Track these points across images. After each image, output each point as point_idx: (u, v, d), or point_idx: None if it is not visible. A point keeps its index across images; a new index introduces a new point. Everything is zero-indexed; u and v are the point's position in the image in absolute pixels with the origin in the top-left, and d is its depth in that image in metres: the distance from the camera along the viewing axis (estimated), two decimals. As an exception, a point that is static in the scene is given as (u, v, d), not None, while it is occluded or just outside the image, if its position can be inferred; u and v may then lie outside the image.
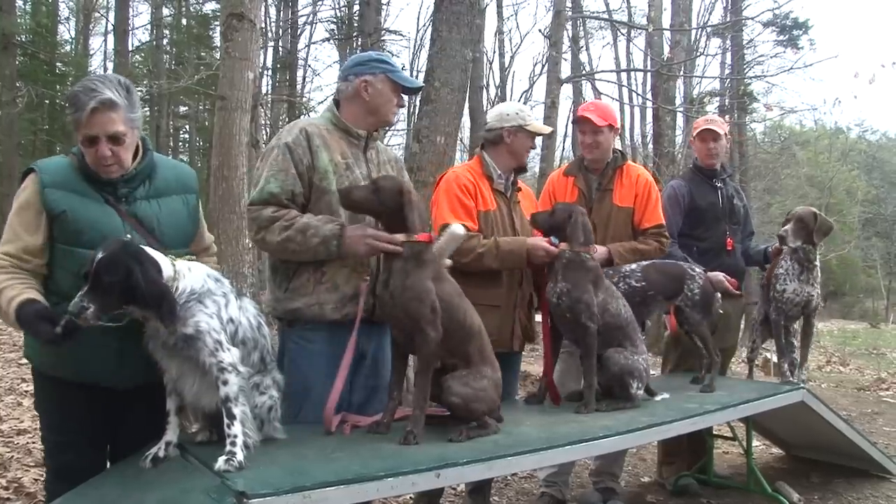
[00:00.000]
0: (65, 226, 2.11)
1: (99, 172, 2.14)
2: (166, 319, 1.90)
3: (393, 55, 17.68)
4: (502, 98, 20.51)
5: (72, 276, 2.05)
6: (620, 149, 3.62)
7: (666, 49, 13.66)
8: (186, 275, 1.99)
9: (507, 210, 3.13)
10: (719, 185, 3.97)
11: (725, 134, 3.97)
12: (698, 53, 16.03)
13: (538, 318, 3.21)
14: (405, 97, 2.77)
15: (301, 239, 2.39)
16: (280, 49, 18.15)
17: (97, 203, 2.14)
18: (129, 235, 2.10)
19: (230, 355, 1.98)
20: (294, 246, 2.40)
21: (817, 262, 3.72)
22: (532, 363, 7.15)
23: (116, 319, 1.97)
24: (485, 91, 17.65)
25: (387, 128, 2.98)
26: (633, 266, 3.24)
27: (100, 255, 1.87)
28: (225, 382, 1.95)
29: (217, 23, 16.84)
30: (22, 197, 2.15)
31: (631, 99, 17.67)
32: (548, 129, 3.68)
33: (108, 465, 2.40)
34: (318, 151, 2.49)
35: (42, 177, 2.14)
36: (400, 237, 2.33)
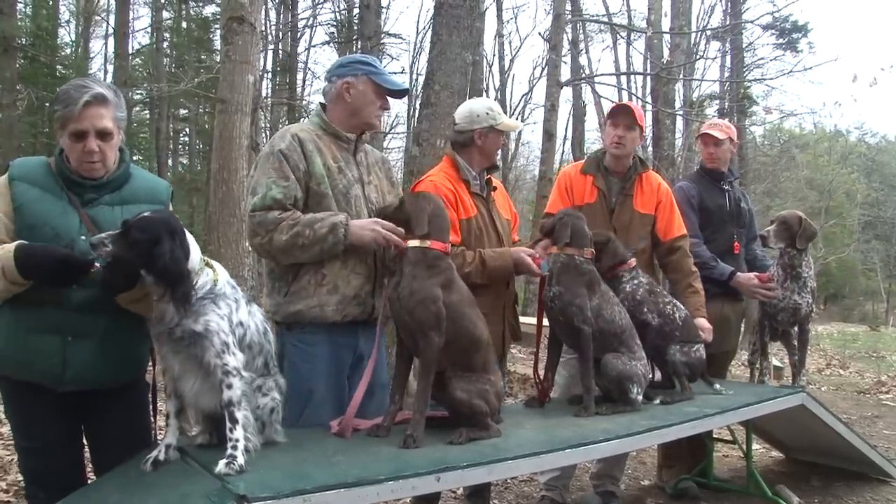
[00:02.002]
0: (19, 219, 2.10)
1: (81, 170, 2.14)
2: (178, 301, 1.91)
3: (393, 59, 17.76)
4: (502, 101, 20.50)
5: None
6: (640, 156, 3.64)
7: (665, 52, 13.69)
8: (210, 275, 2.02)
9: (487, 212, 3.05)
10: (727, 187, 3.99)
11: (730, 139, 3.98)
12: (698, 56, 16.05)
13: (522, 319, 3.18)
14: (393, 101, 2.75)
15: (309, 232, 2.40)
16: (280, 52, 18.16)
17: (59, 201, 2.13)
18: (83, 237, 2.09)
19: (235, 359, 1.99)
20: (303, 240, 2.40)
21: (803, 270, 3.73)
22: (531, 367, 7.14)
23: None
24: (485, 94, 17.63)
25: (371, 131, 2.97)
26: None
27: (145, 213, 1.93)
28: (229, 386, 1.96)
29: (217, 26, 16.89)
30: None
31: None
32: (519, 126, 3.65)
33: (93, 467, 2.40)
34: (311, 156, 2.50)
35: (12, 170, 2.15)
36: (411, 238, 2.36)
